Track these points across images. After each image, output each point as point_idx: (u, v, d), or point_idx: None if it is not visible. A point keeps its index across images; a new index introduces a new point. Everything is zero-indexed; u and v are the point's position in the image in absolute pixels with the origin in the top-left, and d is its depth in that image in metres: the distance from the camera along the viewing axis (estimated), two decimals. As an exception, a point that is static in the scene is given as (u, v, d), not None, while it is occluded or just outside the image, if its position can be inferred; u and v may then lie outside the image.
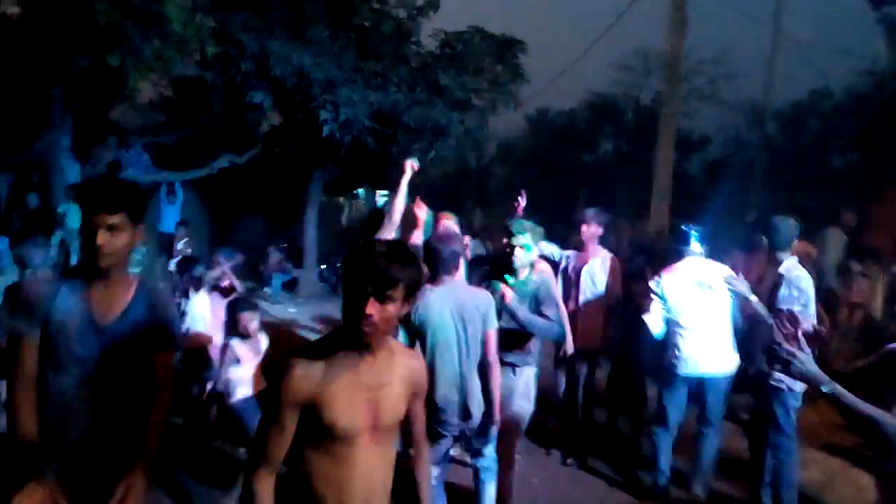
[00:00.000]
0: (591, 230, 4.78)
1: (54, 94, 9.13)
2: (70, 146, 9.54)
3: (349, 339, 1.78)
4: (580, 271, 4.76)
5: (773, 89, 16.83)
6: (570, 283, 4.82)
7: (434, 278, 3.33)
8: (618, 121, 25.61)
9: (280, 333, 8.16)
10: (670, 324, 4.20)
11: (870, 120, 10.17)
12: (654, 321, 4.20)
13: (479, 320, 3.30)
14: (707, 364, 4.14)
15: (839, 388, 2.12)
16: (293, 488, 1.81)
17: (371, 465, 1.83)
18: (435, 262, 3.31)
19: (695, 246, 4.25)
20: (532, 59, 10.39)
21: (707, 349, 4.12)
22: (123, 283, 2.25)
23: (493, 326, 3.37)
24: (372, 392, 1.81)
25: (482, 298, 3.40)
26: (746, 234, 6.60)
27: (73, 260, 9.15)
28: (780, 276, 3.93)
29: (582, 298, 4.74)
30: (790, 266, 3.97)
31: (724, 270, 4.20)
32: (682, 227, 4.35)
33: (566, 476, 4.74)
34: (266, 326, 8.26)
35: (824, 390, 2.11)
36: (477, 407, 3.32)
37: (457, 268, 3.42)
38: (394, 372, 1.88)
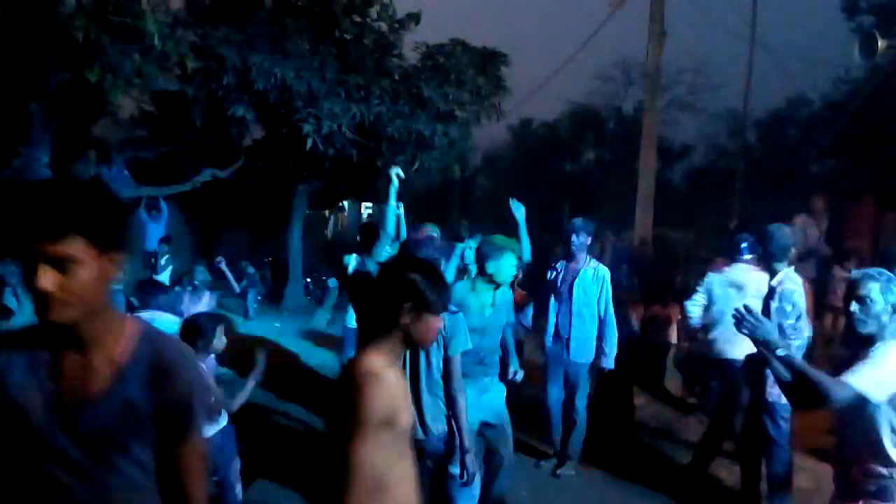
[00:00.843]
0: (580, 240, 4.75)
1: (32, 109, 9.04)
2: (49, 162, 9.43)
3: (411, 349, 2.11)
4: (572, 284, 4.72)
5: (751, 98, 17.06)
6: (560, 296, 4.79)
7: None
8: (600, 130, 25.86)
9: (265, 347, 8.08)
10: (706, 313, 4.81)
11: (845, 127, 10.33)
12: (694, 310, 4.88)
13: (441, 345, 3.12)
14: (729, 350, 4.59)
15: (793, 354, 2.38)
16: (377, 498, 1.83)
17: (408, 448, 2.01)
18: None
19: (745, 254, 4.82)
20: (514, 71, 10.46)
21: (730, 337, 4.28)
22: (105, 341, 1.45)
23: (455, 352, 3.14)
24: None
25: (447, 322, 3.07)
26: (729, 242, 6.66)
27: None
28: (772, 288, 3.94)
29: (575, 310, 4.70)
30: (783, 278, 3.95)
31: (762, 277, 4.35)
32: (735, 238, 4.94)
33: (557, 488, 4.72)
34: (251, 341, 8.21)
35: (780, 354, 2.32)
36: (433, 423, 3.16)
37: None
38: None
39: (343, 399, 1.84)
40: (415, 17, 9.99)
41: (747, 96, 17.10)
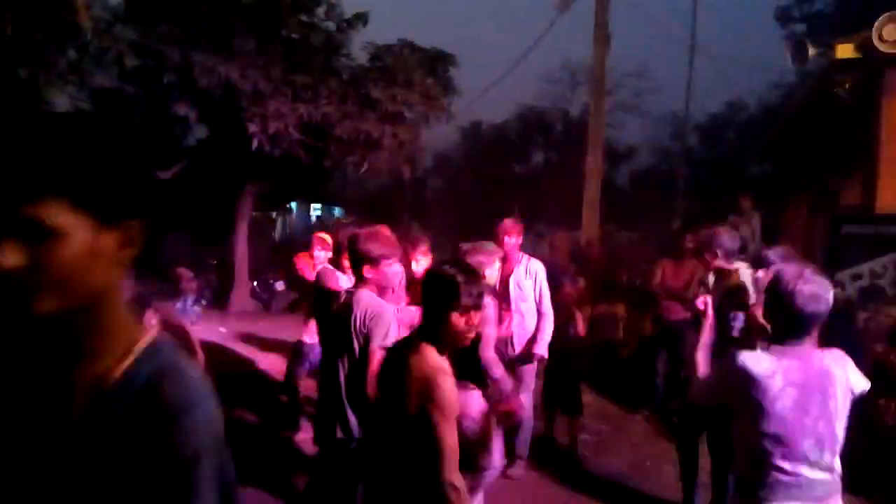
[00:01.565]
0: (512, 241, 4.79)
1: (-42, 107, 8.60)
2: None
3: (454, 345, 2.21)
4: (507, 281, 4.80)
5: (692, 102, 17.64)
6: (496, 294, 4.81)
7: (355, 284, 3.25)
8: (548, 132, 26.25)
9: (211, 352, 7.88)
10: None
11: (780, 131, 10.77)
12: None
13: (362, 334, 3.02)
14: None
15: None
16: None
17: None
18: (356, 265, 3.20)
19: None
20: (463, 73, 10.52)
21: None
22: (99, 351, 0.97)
23: (377, 342, 2.97)
24: None
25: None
26: (672, 242, 6.83)
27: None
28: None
29: (514, 307, 4.77)
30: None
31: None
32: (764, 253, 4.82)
33: (505, 487, 4.74)
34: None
35: None
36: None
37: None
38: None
39: (418, 394, 2.07)
40: (363, 18, 9.93)
41: (688, 100, 17.68)
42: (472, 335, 2.24)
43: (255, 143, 8.74)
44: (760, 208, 9.14)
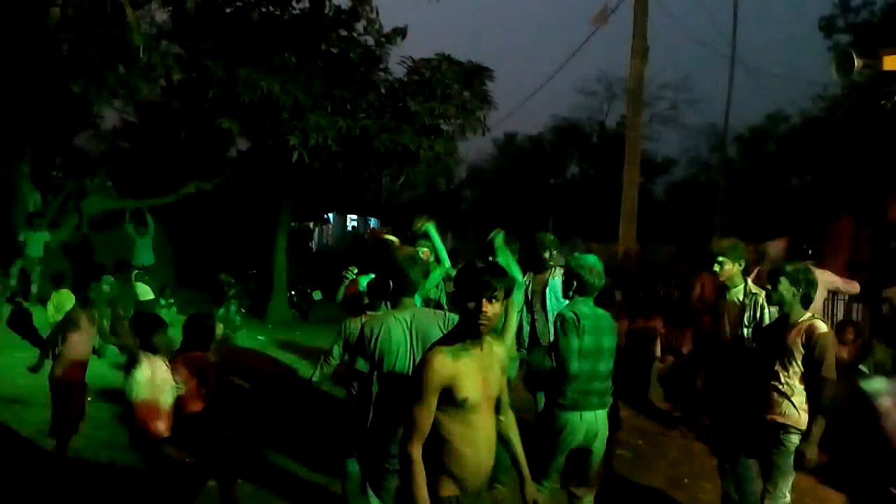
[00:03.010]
0: (552, 256, 4.85)
1: (15, 121, 8.98)
2: (31, 174, 9.35)
3: (468, 333, 2.38)
4: (544, 293, 4.72)
5: (731, 114, 17.36)
6: (531, 305, 4.75)
7: (393, 300, 3.14)
8: (584, 144, 26.13)
9: (251, 359, 8.05)
10: None
11: (823, 143, 10.54)
12: None
13: None
14: None
15: None
16: (435, 450, 2.36)
17: (488, 426, 2.46)
18: (395, 283, 3.10)
19: None
20: (499, 85, 10.58)
21: None
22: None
23: None
24: (484, 372, 2.42)
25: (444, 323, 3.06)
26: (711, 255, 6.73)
27: (34, 289, 8.93)
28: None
29: (552, 318, 4.59)
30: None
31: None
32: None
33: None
34: (235, 353, 8.14)
35: None
36: None
37: (415, 290, 3.18)
38: (493, 355, 2.51)
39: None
40: (401, 32, 10.08)
41: (728, 111, 17.40)
42: (494, 322, 2.40)
43: (294, 156, 8.91)
44: (801, 220, 8.97)
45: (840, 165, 10.40)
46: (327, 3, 10.07)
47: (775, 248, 7.77)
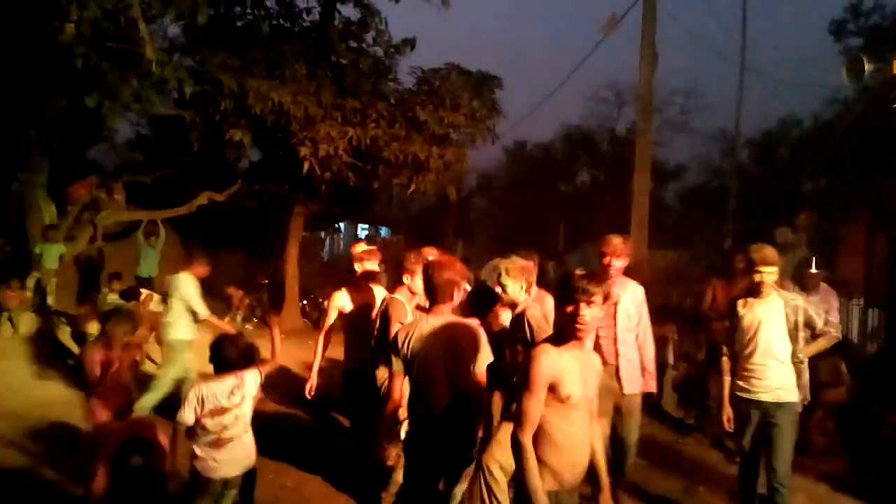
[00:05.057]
0: (618, 263, 4.31)
1: (31, 134, 9.10)
2: (46, 186, 9.47)
3: (569, 335, 2.56)
4: (612, 308, 4.29)
5: (742, 119, 17.27)
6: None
7: (429, 306, 3.23)
8: (594, 151, 26.08)
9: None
10: None
11: (836, 147, 10.46)
12: None
13: (472, 355, 3.15)
14: None
15: None
16: (537, 442, 2.54)
17: (585, 424, 2.64)
18: (429, 289, 3.21)
19: None
20: (508, 93, 10.59)
21: None
22: None
23: (485, 363, 3.19)
24: (584, 373, 2.59)
25: (475, 331, 3.23)
26: (723, 261, 6.70)
27: (50, 301, 9.02)
28: None
29: (619, 338, 4.30)
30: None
31: None
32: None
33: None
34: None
35: None
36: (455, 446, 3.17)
37: (451, 297, 3.24)
38: (591, 361, 2.71)
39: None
40: (410, 43, 10.14)
41: (739, 117, 17.33)
42: (592, 327, 2.60)
43: (305, 166, 8.97)
44: (818, 225, 8.87)
45: (853, 170, 10.33)
46: (337, 15, 10.16)
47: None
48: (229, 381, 3.32)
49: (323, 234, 21.67)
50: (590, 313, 2.51)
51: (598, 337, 4.17)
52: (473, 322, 3.44)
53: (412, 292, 4.23)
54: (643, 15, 11.36)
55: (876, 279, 8.78)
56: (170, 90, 9.45)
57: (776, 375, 3.84)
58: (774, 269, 3.85)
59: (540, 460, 2.52)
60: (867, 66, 6.98)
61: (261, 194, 11.60)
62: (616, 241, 4.28)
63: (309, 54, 9.63)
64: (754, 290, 3.92)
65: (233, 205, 11.57)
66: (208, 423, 3.22)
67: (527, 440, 2.51)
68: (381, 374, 4.17)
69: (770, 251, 3.86)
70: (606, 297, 2.71)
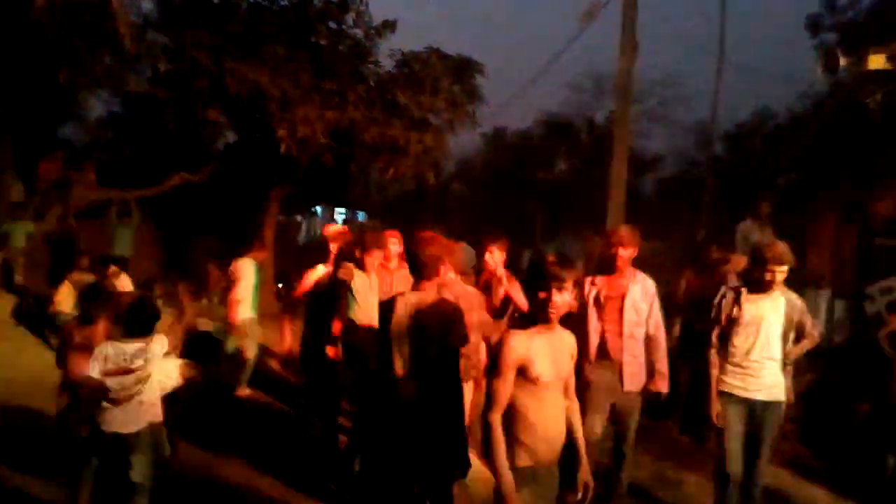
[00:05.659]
0: (626, 253, 4.08)
1: (-2, 110, 8.87)
2: (14, 164, 9.24)
3: (540, 319, 2.68)
4: (618, 301, 4.11)
5: (720, 111, 17.44)
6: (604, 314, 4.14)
7: (415, 282, 3.16)
8: (573, 140, 26.14)
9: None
10: None
11: (809, 141, 10.63)
12: None
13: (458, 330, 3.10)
14: None
15: None
16: (511, 421, 2.65)
17: (558, 404, 2.76)
18: (414, 266, 3.16)
19: None
20: (489, 80, 10.55)
21: None
22: None
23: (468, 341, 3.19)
24: (555, 354, 2.71)
25: (460, 308, 3.16)
26: (697, 252, 6.78)
27: (18, 279, 8.84)
28: None
29: (625, 334, 4.09)
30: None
31: None
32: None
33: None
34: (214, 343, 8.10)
35: None
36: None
37: (438, 273, 3.16)
38: (563, 342, 2.80)
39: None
40: (390, 25, 10.04)
41: (715, 109, 17.50)
42: (562, 310, 2.70)
43: (283, 148, 8.87)
44: (785, 218, 8.97)
45: (825, 164, 10.51)
46: (316, -6, 10.04)
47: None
48: (135, 344, 3.43)
49: (299, 218, 21.48)
50: (561, 299, 2.66)
51: (603, 332, 4.01)
52: (473, 291, 3.74)
53: (367, 269, 4.56)
54: (623, 4, 11.36)
55: (842, 271, 8.97)
56: (143, 67, 9.25)
57: (771, 374, 3.75)
58: (787, 267, 3.67)
59: (516, 439, 2.64)
60: (841, 61, 7.09)
61: (237, 176, 11.44)
62: (623, 230, 4.14)
63: (288, 34, 9.48)
64: (760, 286, 3.73)
65: (208, 186, 11.40)
66: (110, 382, 3.33)
67: (494, 419, 2.61)
68: (331, 351, 4.49)
69: (782, 248, 3.67)
70: (577, 282, 2.85)
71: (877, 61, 6.41)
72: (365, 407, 4.31)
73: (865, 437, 5.09)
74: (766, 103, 19.90)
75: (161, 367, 3.51)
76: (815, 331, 3.88)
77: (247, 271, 6.51)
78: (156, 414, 3.51)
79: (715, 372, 3.85)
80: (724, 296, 3.89)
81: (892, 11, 12.14)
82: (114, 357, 3.36)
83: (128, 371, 3.36)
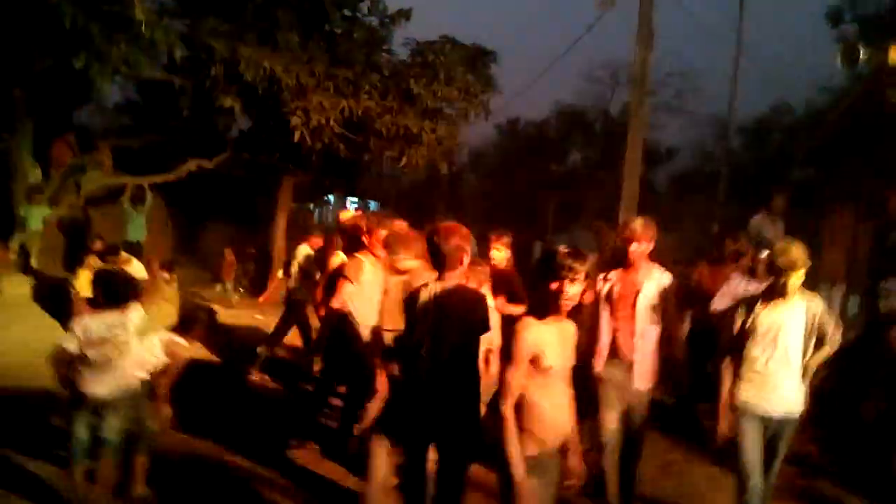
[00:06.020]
0: (640, 248, 3.90)
1: (16, 95, 8.94)
2: (31, 149, 9.33)
3: (552, 310, 2.72)
4: (631, 298, 3.99)
5: (736, 104, 17.24)
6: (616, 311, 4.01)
7: (439, 274, 3.11)
8: (587, 131, 26.01)
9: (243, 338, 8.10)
10: None
11: (827, 134, 10.49)
12: None
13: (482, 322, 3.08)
14: None
15: None
16: (521, 411, 2.67)
17: (566, 393, 2.82)
18: (437, 257, 3.11)
19: None
20: (503, 69, 10.52)
21: None
22: None
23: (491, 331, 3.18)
24: (564, 343, 2.76)
25: (485, 299, 3.18)
26: (711, 246, 6.74)
27: (34, 263, 8.95)
28: None
29: (638, 333, 3.96)
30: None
31: None
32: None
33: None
34: (235, 330, 8.19)
35: None
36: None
37: (461, 262, 3.11)
38: (568, 330, 2.83)
39: None
40: (405, 14, 10.01)
41: (732, 102, 17.31)
42: (574, 301, 2.73)
43: (296, 136, 8.90)
44: (799, 212, 8.85)
45: (843, 158, 10.38)
46: (331, -18, 10.01)
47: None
48: (112, 315, 3.56)
49: (312, 206, 21.57)
50: (573, 290, 2.68)
51: (615, 330, 3.87)
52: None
53: (375, 255, 4.40)
54: (641, -7, 11.24)
55: (858, 268, 8.87)
56: (159, 54, 9.28)
57: (790, 385, 3.52)
58: (803, 271, 3.42)
59: (524, 428, 2.66)
60: (862, 54, 6.98)
61: (250, 163, 11.49)
62: (637, 223, 3.89)
63: (302, 22, 9.48)
64: (778, 291, 3.50)
65: (222, 173, 11.47)
66: (90, 353, 3.48)
67: (508, 410, 2.64)
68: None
69: (797, 252, 3.41)
70: (589, 274, 2.80)
71: (898, 54, 6.32)
72: (355, 389, 4.48)
73: (875, 434, 5.05)
74: (784, 97, 19.62)
75: (144, 341, 3.63)
76: (837, 334, 3.59)
77: (301, 257, 7.03)
78: (134, 383, 3.61)
79: (726, 385, 3.62)
80: (738, 304, 3.71)
81: (914, 4, 11.92)
82: (95, 328, 3.51)
83: (105, 341, 3.51)
